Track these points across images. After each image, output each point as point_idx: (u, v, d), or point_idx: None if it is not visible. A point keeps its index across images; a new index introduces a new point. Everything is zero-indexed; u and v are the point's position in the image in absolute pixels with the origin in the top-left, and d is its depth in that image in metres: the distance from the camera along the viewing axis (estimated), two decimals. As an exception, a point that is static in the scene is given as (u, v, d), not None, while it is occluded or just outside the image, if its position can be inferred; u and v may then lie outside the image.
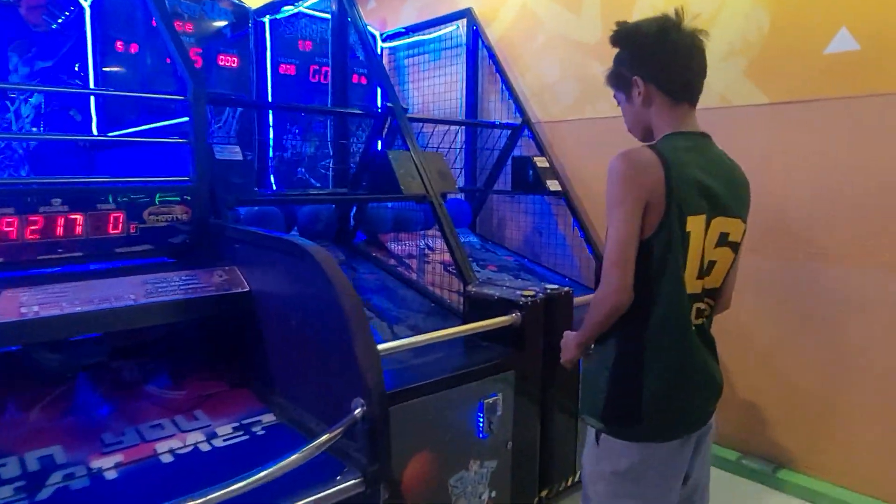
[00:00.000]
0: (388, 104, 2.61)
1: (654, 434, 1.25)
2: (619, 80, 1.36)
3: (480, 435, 1.93)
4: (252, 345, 1.73)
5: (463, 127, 3.68)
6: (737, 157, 1.38)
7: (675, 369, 1.25)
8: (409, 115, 3.88)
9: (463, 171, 3.72)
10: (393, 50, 4.21)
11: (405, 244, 3.18)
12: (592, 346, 1.37)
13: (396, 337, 2.24)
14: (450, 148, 3.35)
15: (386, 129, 2.76)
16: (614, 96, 1.39)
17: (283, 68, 3.71)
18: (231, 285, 1.69)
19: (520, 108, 3.31)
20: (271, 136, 3.64)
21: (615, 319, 1.24)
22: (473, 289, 2.23)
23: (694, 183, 1.22)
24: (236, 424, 1.54)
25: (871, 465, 2.31)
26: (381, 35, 4.14)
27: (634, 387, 1.25)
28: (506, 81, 3.37)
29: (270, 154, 3.65)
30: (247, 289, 1.70)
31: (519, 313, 2.04)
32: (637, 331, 1.25)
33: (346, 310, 1.28)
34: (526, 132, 3.30)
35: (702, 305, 1.30)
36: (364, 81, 3.93)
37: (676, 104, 1.29)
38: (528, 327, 2.05)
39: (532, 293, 2.10)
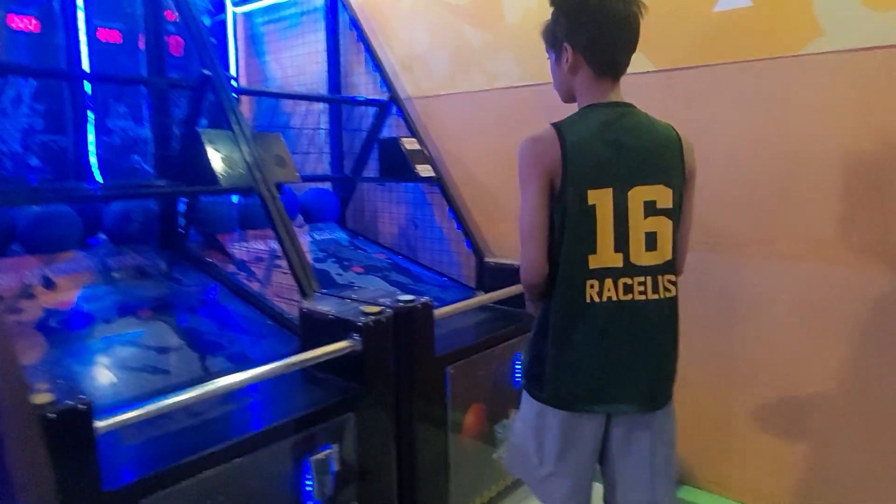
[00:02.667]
0: (205, 72, 2.06)
1: (551, 399, 1.33)
2: (552, 39, 1.35)
3: (310, 503, 1.49)
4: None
5: (327, 105, 3.18)
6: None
7: (572, 343, 1.29)
8: (262, 90, 3.36)
9: (330, 155, 3.22)
10: (248, 16, 3.61)
11: (253, 245, 2.65)
12: None
13: (206, 371, 1.74)
14: (300, 128, 2.85)
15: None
16: (546, 51, 1.38)
17: (103, 34, 3.04)
18: None
19: (386, 83, 2.85)
20: (90, 116, 2.97)
21: (538, 293, 1.34)
22: (307, 305, 1.76)
23: (597, 157, 1.25)
24: None
25: (770, 477, 2.07)
26: (233, -2, 3.54)
27: (541, 352, 1.34)
28: (370, 51, 2.90)
29: (91, 139, 2.99)
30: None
31: (358, 337, 1.59)
32: (546, 302, 1.33)
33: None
34: (395, 110, 2.85)
35: (628, 280, 1.26)
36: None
37: (599, 78, 1.30)
38: (371, 354, 1.62)
39: (377, 310, 1.66)
